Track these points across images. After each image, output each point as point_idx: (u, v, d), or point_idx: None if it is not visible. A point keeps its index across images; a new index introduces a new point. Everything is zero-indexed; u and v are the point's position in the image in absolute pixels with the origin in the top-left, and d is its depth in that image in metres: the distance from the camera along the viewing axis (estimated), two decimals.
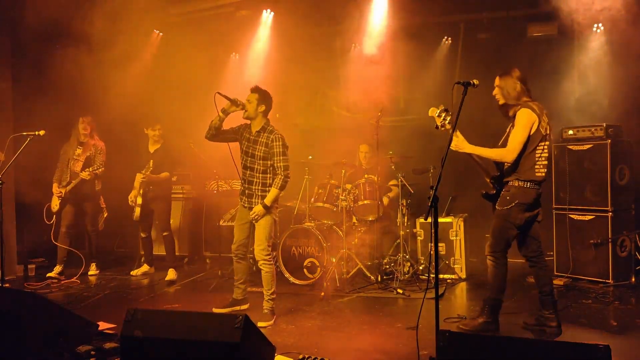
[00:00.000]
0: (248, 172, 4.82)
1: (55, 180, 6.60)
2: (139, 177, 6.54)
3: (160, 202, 6.52)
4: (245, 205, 4.85)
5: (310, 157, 6.56)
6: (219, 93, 4.61)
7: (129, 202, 6.49)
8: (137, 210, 6.43)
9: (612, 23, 6.78)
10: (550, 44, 7.38)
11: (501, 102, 4.36)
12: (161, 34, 8.12)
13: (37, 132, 5.26)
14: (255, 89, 4.78)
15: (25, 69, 6.89)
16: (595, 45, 7.10)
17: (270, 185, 4.75)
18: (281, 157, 4.71)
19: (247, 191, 4.84)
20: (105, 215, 7.00)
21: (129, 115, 6.91)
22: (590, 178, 5.95)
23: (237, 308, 5.01)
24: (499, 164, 4.35)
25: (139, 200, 6.40)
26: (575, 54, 7.29)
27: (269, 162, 4.75)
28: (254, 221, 4.79)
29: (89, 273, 6.68)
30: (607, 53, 6.97)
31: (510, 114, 4.31)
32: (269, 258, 4.80)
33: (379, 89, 8.41)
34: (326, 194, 6.32)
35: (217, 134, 4.82)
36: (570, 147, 6.11)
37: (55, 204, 6.56)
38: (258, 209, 4.71)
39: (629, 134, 6.16)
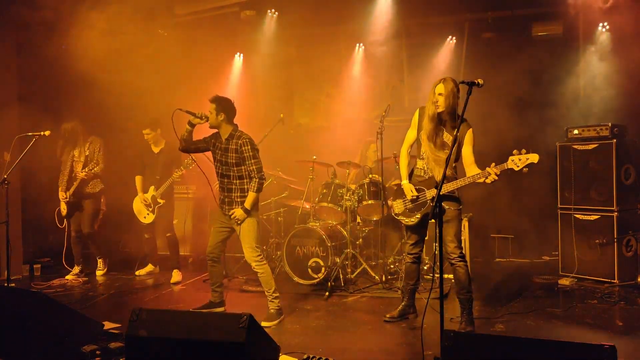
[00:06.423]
0: (226, 180, 4.85)
1: (60, 186, 6.56)
2: (139, 180, 6.54)
3: (165, 203, 6.52)
4: (227, 213, 4.85)
5: (314, 157, 6.55)
6: (179, 109, 4.66)
7: (143, 205, 6.48)
8: (156, 211, 6.44)
9: (617, 22, 6.78)
10: (555, 43, 7.36)
11: (442, 110, 4.34)
12: (166, 34, 8.13)
13: (42, 133, 5.26)
14: (213, 99, 4.79)
15: (31, 70, 6.92)
16: (600, 45, 7.08)
17: (249, 190, 4.77)
18: (252, 161, 4.73)
19: (226, 199, 4.86)
20: (100, 217, 7.00)
21: (133, 115, 6.92)
22: (596, 178, 5.93)
23: (213, 310, 5.00)
24: (440, 167, 4.37)
25: (161, 201, 6.41)
26: (580, 53, 7.28)
27: (242, 168, 4.76)
28: (236, 225, 4.80)
29: (97, 272, 6.73)
30: (612, 52, 6.95)
31: (450, 124, 4.36)
32: (260, 259, 4.80)
33: (383, 88, 8.43)
34: (330, 193, 6.31)
35: (187, 145, 4.92)
36: (575, 146, 6.08)
37: (63, 208, 6.59)
38: (238, 212, 4.72)
39: (635, 133, 6.15)
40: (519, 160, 3.99)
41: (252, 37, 8.23)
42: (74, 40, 6.48)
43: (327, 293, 5.62)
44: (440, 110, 4.32)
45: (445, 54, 7.97)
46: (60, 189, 6.54)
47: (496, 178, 4.06)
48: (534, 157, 3.97)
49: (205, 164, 5.24)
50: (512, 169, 4.01)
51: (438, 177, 4.38)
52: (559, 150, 6.22)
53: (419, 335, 4.00)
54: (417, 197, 4.48)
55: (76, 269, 6.62)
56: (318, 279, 5.97)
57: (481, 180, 4.12)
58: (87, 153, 6.50)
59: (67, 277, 6.53)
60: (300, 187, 7.00)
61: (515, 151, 4.01)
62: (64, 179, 6.54)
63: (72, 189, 6.48)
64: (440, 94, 4.30)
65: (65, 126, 6.49)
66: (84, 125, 6.58)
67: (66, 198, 6.50)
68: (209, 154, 5.02)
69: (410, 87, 8.17)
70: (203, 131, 4.95)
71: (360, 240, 6.40)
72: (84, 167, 6.46)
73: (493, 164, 4.09)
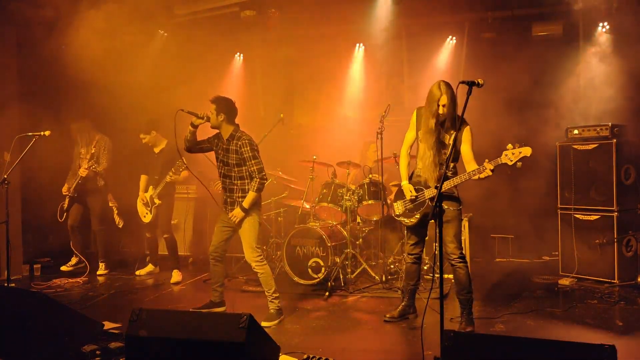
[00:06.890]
0: (228, 180, 4.86)
1: (67, 181, 6.78)
2: (143, 179, 6.55)
3: (164, 203, 6.51)
4: (229, 213, 4.86)
5: (314, 157, 6.55)
6: (181, 110, 4.66)
7: (142, 204, 6.48)
8: (154, 211, 6.43)
9: (617, 22, 6.77)
10: (555, 43, 7.36)
11: (444, 118, 4.34)
12: (166, 34, 8.13)
13: (42, 133, 5.27)
14: (213, 100, 4.79)
15: (31, 69, 6.91)
16: (600, 45, 7.08)
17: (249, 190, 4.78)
18: (253, 161, 4.72)
19: (228, 199, 4.87)
20: (116, 212, 7.09)
21: (132, 114, 6.92)
22: (596, 178, 5.93)
23: (213, 310, 5.01)
24: (439, 167, 4.38)
25: (157, 201, 6.41)
26: (580, 53, 7.27)
27: (243, 168, 4.76)
28: (236, 226, 4.80)
29: (98, 273, 6.76)
30: (612, 52, 6.95)
31: (448, 124, 4.35)
32: (261, 259, 4.81)
33: (383, 88, 8.42)
34: (330, 193, 6.31)
35: (191, 146, 4.91)
36: (575, 146, 6.08)
37: (66, 202, 6.76)
38: (237, 211, 4.73)
39: (635, 133, 6.14)
40: (512, 155, 4.01)
41: (252, 37, 8.22)
42: (74, 40, 6.47)
43: (327, 293, 5.62)
44: (442, 119, 4.35)
45: (445, 54, 7.95)
46: (66, 183, 6.75)
47: (490, 173, 4.06)
48: (526, 151, 3.98)
49: (205, 163, 5.24)
50: (506, 164, 4.03)
51: (430, 178, 4.39)
52: (559, 150, 6.22)
53: (419, 335, 4.00)
54: (416, 197, 4.48)
55: (74, 260, 6.74)
56: (318, 279, 5.97)
57: (476, 177, 4.14)
58: (93, 151, 6.68)
59: (62, 267, 6.63)
60: (300, 187, 7.00)
61: (509, 145, 4.03)
62: (70, 173, 6.78)
63: (73, 185, 6.64)
64: (444, 106, 4.27)
65: (73, 126, 6.79)
66: (92, 124, 6.83)
67: (68, 192, 6.67)
68: (210, 155, 5.02)
69: (410, 87, 8.16)
70: (208, 131, 4.95)
71: (360, 240, 6.40)
72: (88, 165, 6.58)
73: (487, 160, 4.10)
